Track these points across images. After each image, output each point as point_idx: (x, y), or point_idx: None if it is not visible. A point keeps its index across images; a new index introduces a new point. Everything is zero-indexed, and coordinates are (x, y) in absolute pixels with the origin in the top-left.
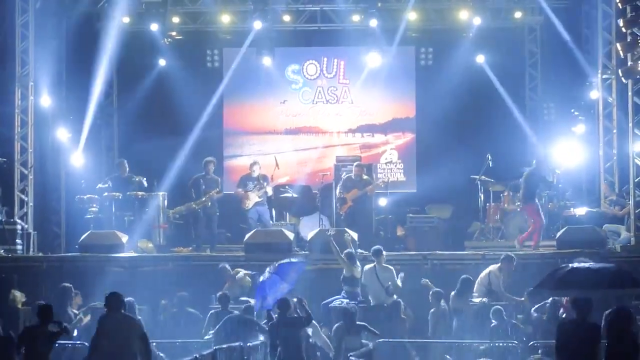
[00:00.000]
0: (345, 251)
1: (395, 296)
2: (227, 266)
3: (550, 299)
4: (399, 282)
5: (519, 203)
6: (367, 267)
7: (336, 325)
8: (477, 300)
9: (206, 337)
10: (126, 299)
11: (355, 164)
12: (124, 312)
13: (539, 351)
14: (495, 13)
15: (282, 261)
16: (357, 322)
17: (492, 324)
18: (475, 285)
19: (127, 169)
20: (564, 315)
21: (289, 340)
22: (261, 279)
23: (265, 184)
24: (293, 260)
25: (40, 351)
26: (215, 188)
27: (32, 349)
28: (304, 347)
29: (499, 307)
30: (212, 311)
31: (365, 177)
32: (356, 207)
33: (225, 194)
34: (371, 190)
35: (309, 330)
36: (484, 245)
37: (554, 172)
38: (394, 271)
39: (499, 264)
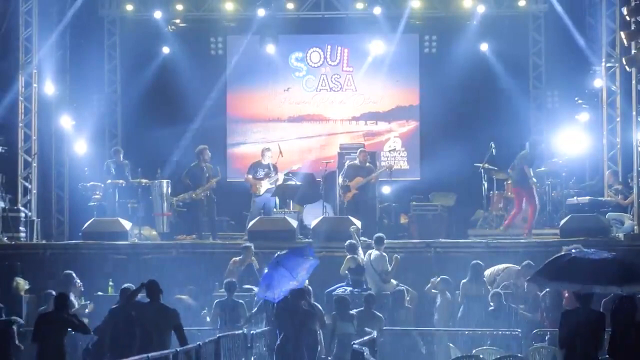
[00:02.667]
0: (347, 242)
1: (394, 282)
2: (253, 248)
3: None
4: (389, 267)
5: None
6: (366, 254)
7: (333, 313)
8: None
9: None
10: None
11: (359, 150)
12: (161, 302)
13: (546, 338)
14: (499, 1)
15: (289, 251)
16: (350, 312)
17: (490, 308)
18: (490, 276)
19: (122, 155)
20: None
21: (296, 330)
22: (266, 270)
23: (274, 172)
24: (309, 259)
25: (55, 337)
26: (215, 176)
27: (47, 335)
28: (308, 338)
29: (498, 291)
30: (217, 300)
31: (368, 164)
32: (360, 195)
33: (229, 181)
34: (375, 178)
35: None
36: (488, 233)
37: (552, 161)
38: (387, 257)
39: (520, 269)
